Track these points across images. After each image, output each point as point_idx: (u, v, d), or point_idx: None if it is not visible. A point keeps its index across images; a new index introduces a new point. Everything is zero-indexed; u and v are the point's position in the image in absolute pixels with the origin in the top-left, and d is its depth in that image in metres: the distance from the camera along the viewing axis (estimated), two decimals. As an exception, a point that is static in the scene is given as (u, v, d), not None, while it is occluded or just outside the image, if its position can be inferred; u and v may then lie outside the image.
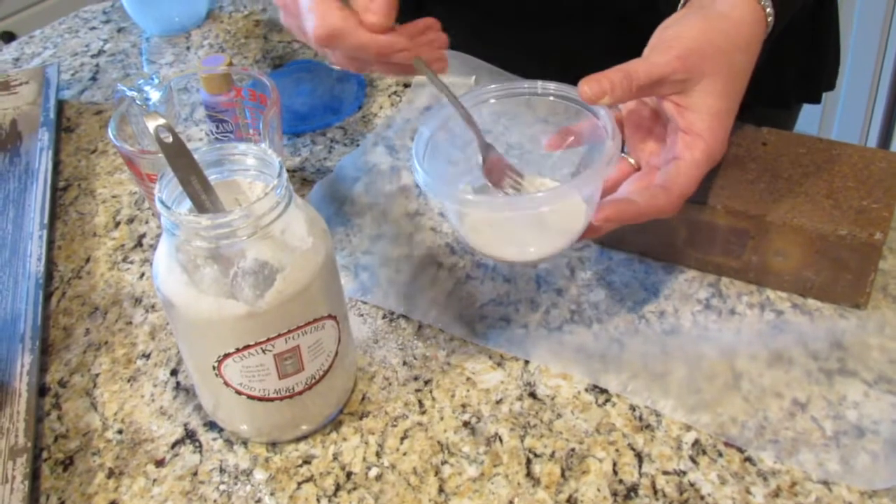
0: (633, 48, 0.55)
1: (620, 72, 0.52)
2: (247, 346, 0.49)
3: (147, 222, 0.74)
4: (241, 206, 0.47)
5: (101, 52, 0.99)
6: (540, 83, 0.58)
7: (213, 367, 0.51)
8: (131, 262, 0.70)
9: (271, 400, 0.52)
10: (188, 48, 0.97)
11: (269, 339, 0.49)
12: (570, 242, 0.55)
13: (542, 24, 0.84)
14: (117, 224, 0.75)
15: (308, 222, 0.51)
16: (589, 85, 0.52)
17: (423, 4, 0.79)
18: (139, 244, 0.72)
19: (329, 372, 0.54)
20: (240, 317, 0.48)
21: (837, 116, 1.79)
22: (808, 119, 1.80)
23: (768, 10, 0.55)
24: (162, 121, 0.49)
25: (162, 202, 0.47)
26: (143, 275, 0.69)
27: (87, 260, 0.71)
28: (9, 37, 1.76)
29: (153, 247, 0.71)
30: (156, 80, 0.69)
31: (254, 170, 0.51)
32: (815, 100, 0.87)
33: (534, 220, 0.55)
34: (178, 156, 0.49)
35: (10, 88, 0.91)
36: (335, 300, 0.53)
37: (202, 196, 0.49)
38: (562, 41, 0.81)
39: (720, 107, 0.53)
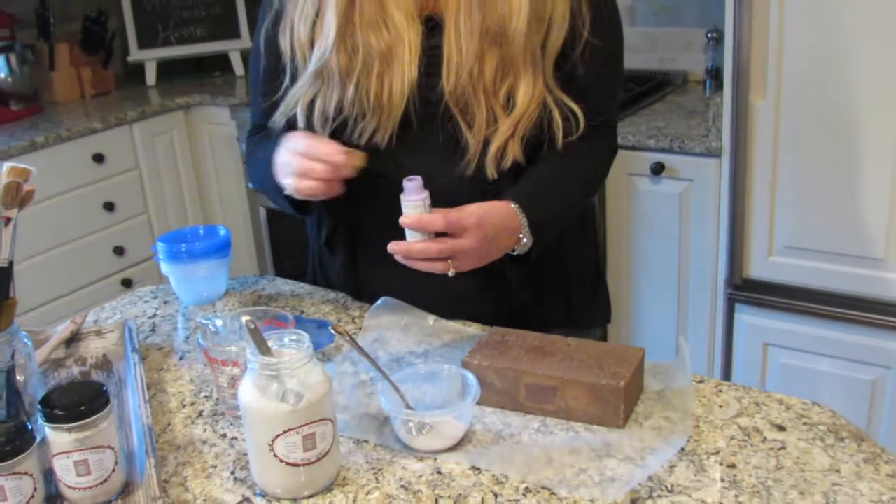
0: None
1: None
2: (288, 430, 0.95)
3: (203, 404, 1.20)
4: (285, 357, 0.96)
5: (154, 315, 1.49)
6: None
7: (269, 444, 0.96)
8: (195, 424, 1.16)
9: (298, 465, 0.97)
10: (214, 311, 1.47)
11: (300, 426, 0.96)
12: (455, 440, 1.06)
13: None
14: (184, 406, 1.21)
15: (321, 370, 0.99)
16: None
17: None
18: (199, 415, 1.18)
19: (328, 453, 0.99)
20: (286, 412, 0.95)
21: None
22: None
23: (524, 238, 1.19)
24: (248, 318, 0.99)
25: (250, 353, 0.96)
26: (204, 429, 1.14)
27: (168, 423, 1.16)
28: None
29: (203, 414, 1.17)
30: (217, 320, 1.19)
31: (293, 343, 1.00)
32: (598, 325, 1.47)
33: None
34: (257, 336, 0.98)
35: (101, 335, 1.39)
36: (331, 413, 1.00)
37: (267, 351, 0.97)
38: None
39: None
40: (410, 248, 1.17)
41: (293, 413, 0.95)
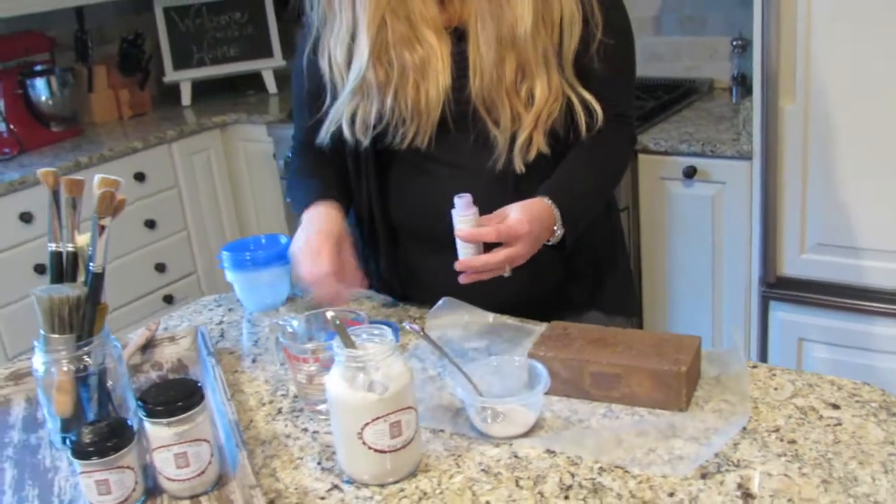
0: None
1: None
2: (376, 418, 1.02)
3: (282, 401, 1.27)
4: (370, 350, 1.03)
5: (221, 322, 1.56)
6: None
7: (359, 433, 1.03)
8: (277, 420, 1.22)
9: (385, 452, 1.04)
10: (277, 316, 1.54)
11: (387, 414, 1.02)
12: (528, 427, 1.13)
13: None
14: (263, 404, 1.27)
15: (402, 362, 1.05)
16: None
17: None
18: (279, 412, 1.25)
19: (412, 440, 1.06)
20: (374, 401, 1.01)
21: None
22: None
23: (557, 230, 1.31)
24: (332, 313, 1.05)
25: (337, 347, 1.03)
26: (286, 424, 1.21)
27: (251, 420, 1.23)
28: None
29: (282, 410, 1.23)
30: (294, 320, 1.26)
31: (376, 337, 1.07)
32: (629, 314, 1.55)
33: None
34: (343, 331, 1.05)
35: (175, 341, 1.46)
36: (414, 402, 1.06)
37: (352, 345, 1.04)
38: None
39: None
40: (472, 263, 1.29)
41: (380, 402, 1.02)
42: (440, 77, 1.37)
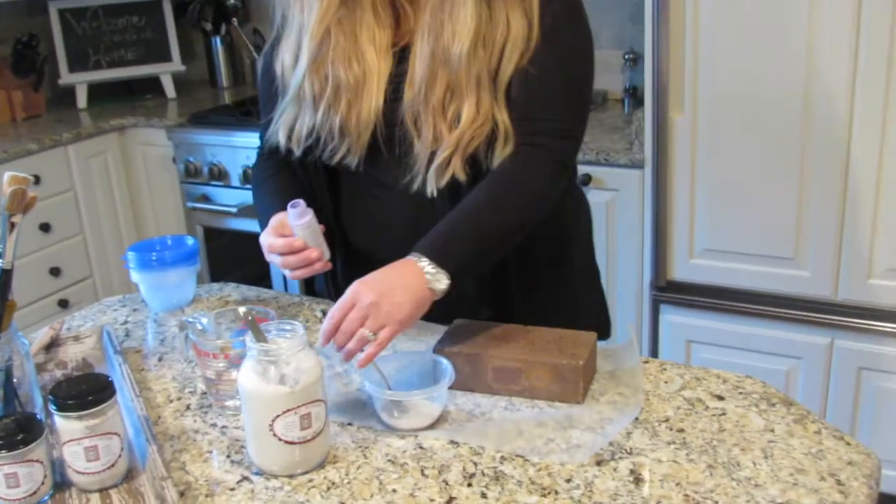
0: None
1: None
2: (287, 410, 1.05)
3: (189, 398, 1.28)
4: (282, 344, 1.06)
5: (126, 322, 1.56)
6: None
7: (269, 425, 1.05)
8: (185, 416, 1.24)
9: (295, 444, 1.07)
10: (183, 316, 1.55)
11: (297, 406, 1.05)
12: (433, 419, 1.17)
13: None
14: (171, 401, 1.28)
15: (313, 356, 1.08)
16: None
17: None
18: (187, 408, 1.26)
19: (321, 432, 1.09)
20: (285, 394, 1.04)
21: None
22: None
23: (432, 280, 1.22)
24: (244, 309, 1.08)
25: (250, 341, 1.05)
26: (194, 420, 1.22)
27: (159, 417, 1.24)
28: None
29: (190, 407, 1.25)
30: (203, 318, 1.28)
31: (288, 332, 1.10)
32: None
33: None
34: (255, 327, 1.07)
35: (79, 340, 1.45)
36: (324, 395, 1.09)
37: (265, 339, 1.07)
38: None
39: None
40: (324, 328, 1.21)
41: (291, 394, 1.04)
42: (374, 98, 1.33)
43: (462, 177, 1.32)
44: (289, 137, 1.40)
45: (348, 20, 1.32)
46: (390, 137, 1.36)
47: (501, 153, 1.31)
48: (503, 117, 1.30)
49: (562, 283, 1.51)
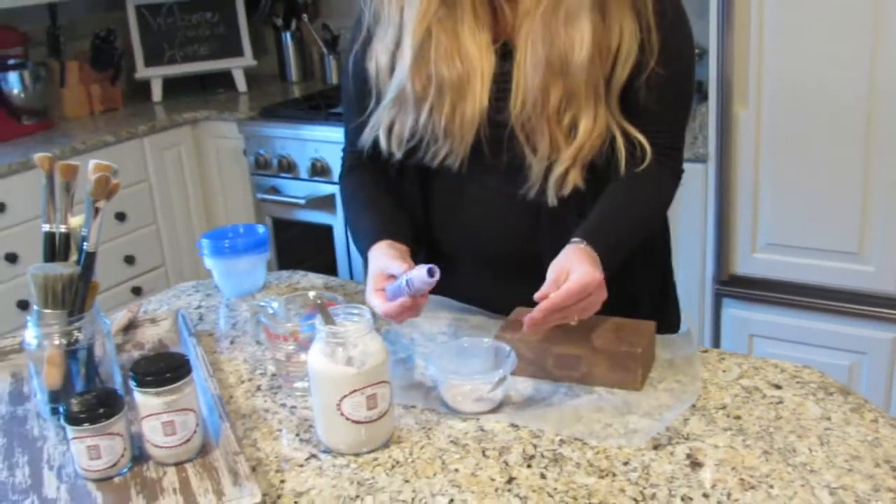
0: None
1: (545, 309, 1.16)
2: (354, 391, 1.09)
3: (260, 379, 1.34)
4: (349, 327, 1.10)
5: (199, 306, 1.62)
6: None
7: (337, 405, 1.10)
8: (256, 396, 1.29)
9: (362, 423, 1.11)
10: (254, 301, 1.61)
11: (364, 387, 1.10)
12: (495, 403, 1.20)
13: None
14: (242, 382, 1.34)
15: (379, 340, 1.13)
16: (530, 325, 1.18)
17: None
18: (258, 389, 1.31)
19: (387, 413, 1.13)
20: (352, 374, 1.09)
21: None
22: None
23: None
24: (314, 294, 1.13)
25: (319, 324, 1.10)
26: (265, 400, 1.28)
27: (231, 396, 1.30)
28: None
29: (261, 388, 1.30)
30: (274, 302, 1.33)
31: (355, 316, 1.14)
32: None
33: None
34: (324, 310, 1.12)
35: (156, 322, 1.52)
36: (389, 377, 1.14)
37: (333, 322, 1.11)
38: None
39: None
40: (552, 299, 1.18)
41: (358, 375, 1.09)
42: (477, 98, 1.31)
43: (582, 187, 1.33)
44: (388, 139, 1.38)
45: (449, 19, 1.30)
46: (494, 139, 1.35)
47: (632, 160, 1.32)
48: (624, 126, 1.31)
49: (645, 279, 1.51)
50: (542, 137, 1.30)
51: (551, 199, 1.34)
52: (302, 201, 3.10)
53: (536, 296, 1.18)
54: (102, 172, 1.17)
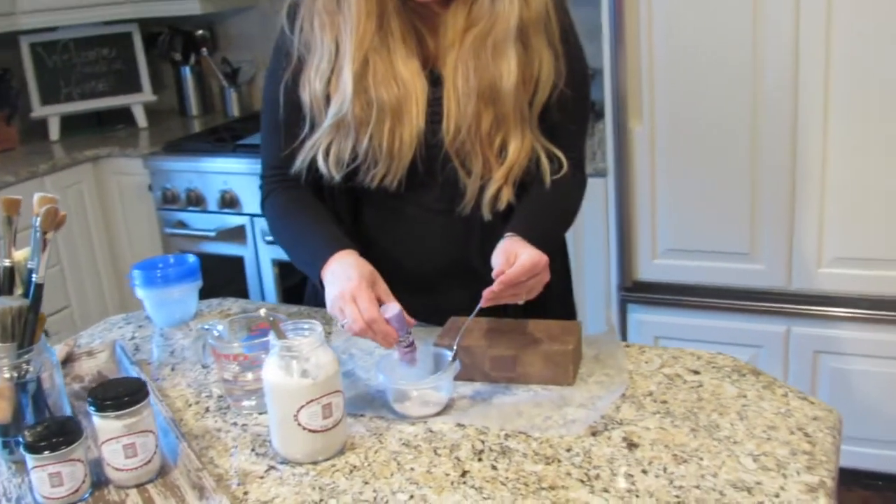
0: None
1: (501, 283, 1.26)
2: (310, 401, 1.15)
3: (207, 402, 1.38)
4: (303, 341, 1.16)
5: (133, 337, 1.64)
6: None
7: (294, 416, 1.15)
8: (206, 417, 1.33)
9: (318, 432, 1.17)
10: (189, 328, 1.64)
11: (319, 397, 1.15)
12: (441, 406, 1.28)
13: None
14: (189, 405, 1.38)
15: (331, 351, 1.19)
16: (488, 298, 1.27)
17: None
18: (207, 410, 1.35)
19: (341, 421, 1.19)
20: (308, 385, 1.14)
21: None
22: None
23: None
24: (265, 311, 1.18)
25: (273, 339, 1.15)
26: (215, 420, 1.32)
27: (181, 419, 1.33)
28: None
29: (209, 409, 1.34)
30: (219, 325, 1.37)
31: (307, 331, 1.20)
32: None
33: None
34: (276, 326, 1.18)
35: (93, 355, 1.54)
36: (341, 386, 1.20)
37: (285, 337, 1.17)
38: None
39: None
40: (508, 274, 1.27)
41: (314, 385, 1.15)
42: (415, 121, 1.39)
43: (514, 201, 1.44)
44: (326, 162, 1.43)
45: (383, 47, 1.38)
46: (430, 159, 1.43)
47: (550, 173, 1.44)
48: (544, 142, 1.44)
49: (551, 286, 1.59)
50: (476, 159, 1.41)
51: (486, 216, 1.44)
52: (212, 233, 3.11)
53: (494, 273, 1.27)
54: (50, 205, 1.20)
